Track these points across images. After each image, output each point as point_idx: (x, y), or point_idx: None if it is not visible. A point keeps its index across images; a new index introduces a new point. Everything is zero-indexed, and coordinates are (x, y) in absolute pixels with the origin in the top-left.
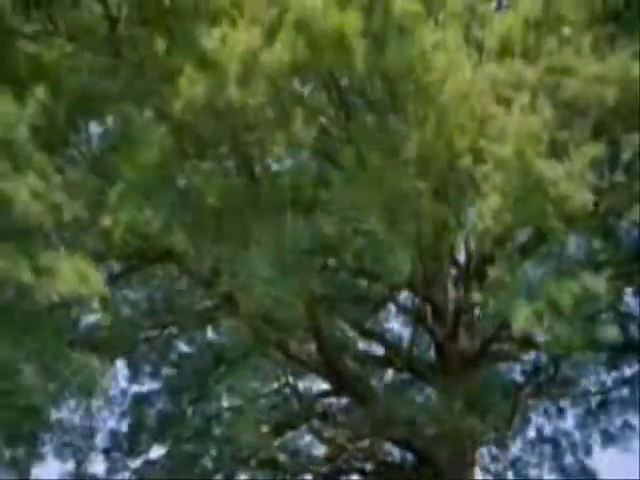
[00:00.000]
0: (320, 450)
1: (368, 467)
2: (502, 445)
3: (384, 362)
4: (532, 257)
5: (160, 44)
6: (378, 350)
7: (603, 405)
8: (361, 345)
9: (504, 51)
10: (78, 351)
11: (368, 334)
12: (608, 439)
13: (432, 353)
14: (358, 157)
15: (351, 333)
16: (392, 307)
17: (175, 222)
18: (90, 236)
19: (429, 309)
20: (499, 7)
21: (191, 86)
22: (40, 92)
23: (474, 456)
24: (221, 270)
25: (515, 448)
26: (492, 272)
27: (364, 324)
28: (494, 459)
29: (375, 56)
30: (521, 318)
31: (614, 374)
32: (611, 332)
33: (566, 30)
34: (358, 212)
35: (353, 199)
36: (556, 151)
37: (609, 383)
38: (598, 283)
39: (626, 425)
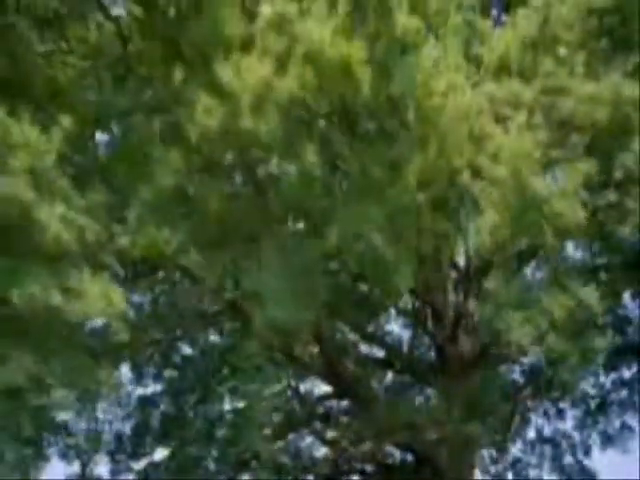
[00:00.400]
0: (321, 451)
1: (369, 468)
2: (502, 447)
3: (385, 364)
4: (527, 269)
5: (177, 73)
6: (378, 353)
7: (602, 407)
8: (362, 348)
9: (502, 70)
10: (83, 356)
11: (369, 337)
12: (607, 440)
13: (432, 355)
14: (362, 170)
15: (352, 336)
16: (392, 310)
17: (190, 240)
18: (109, 255)
19: (429, 312)
20: (497, 23)
21: (207, 114)
22: (65, 120)
23: (474, 458)
24: (229, 280)
25: (515, 449)
26: (489, 284)
27: (365, 327)
28: (494, 460)
29: (379, 82)
30: (518, 332)
31: (613, 376)
32: (602, 343)
33: (561, 50)
34: (362, 226)
35: (357, 213)
36: (551, 169)
37: (608, 385)
38: (590, 295)
39: (625, 426)
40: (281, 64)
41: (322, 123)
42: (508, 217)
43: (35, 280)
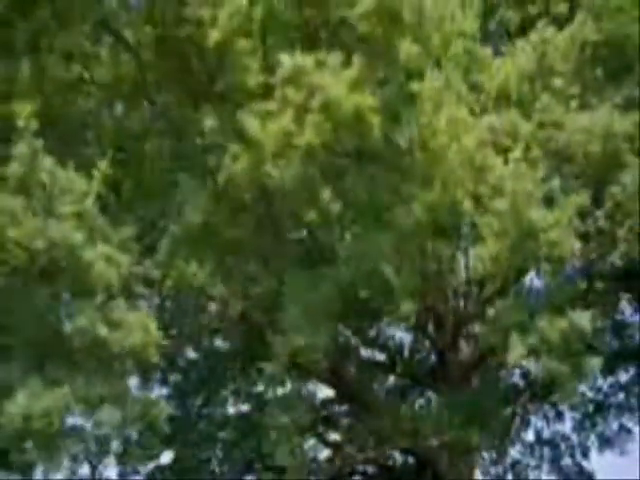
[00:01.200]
0: (324, 454)
1: (370, 470)
2: (501, 451)
3: (386, 368)
4: (524, 294)
5: (206, 121)
6: (380, 357)
7: (600, 409)
8: (363, 352)
9: (501, 100)
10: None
11: (370, 341)
12: (605, 442)
13: (433, 359)
14: (371, 202)
15: (353, 340)
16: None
17: (217, 272)
18: (142, 285)
19: (430, 319)
20: (496, 53)
21: (234, 161)
22: (103, 165)
23: (474, 461)
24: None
25: (515, 451)
26: (490, 311)
27: (366, 331)
28: (494, 462)
29: (389, 126)
30: (516, 353)
31: (610, 379)
32: (595, 364)
33: (557, 81)
34: (375, 262)
35: (369, 248)
36: (547, 199)
37: (606, 388)
38: (583, 319)
39: (622, 429)
40: (300, 114)
41: (337, 164)
42: (507, 246)
43: (83, 315)
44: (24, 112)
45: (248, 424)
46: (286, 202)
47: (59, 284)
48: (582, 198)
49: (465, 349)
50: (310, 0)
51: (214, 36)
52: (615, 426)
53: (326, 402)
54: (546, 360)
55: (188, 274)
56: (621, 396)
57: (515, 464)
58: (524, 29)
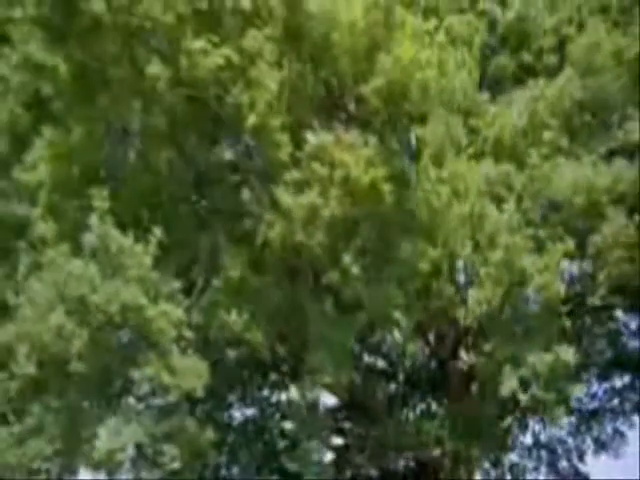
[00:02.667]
0: (327, 457)
1: (374, 474)
2: (499, 459)
3: (388, 376)
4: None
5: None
6: (381, 364)
7: (595, 414)
8: (366, 359)
9: (497, 149)
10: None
11: (372, 348)
12: (600, 446)
13: (434, 366)
14: (383, 255)
15: (357, 348)
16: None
17: (255, 322)
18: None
19: (432, 330)
20: (493, 97)
21: (269, 228)
22: (157, 231)
23: (474, 466)
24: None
25: (513, 454)
26: (487, 346)
27: (368, 338)
28: (493, 464)
29: (398, 192)
30: (508, 385)
31: (605, 385)
32: (579, 390)
33: (547, 134)
34: (385, 307)
35: (383, 297)
36: (537, 245)
37: (601, 394)
38: (568, 354)
39: (617, 433)
40: (325, 187)
41: (355, 228)
42: (501, 290)
43: (150, 364)
44: (100, 195)
45: (254, 428)
46: (313, 264)
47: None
48: (568, 245)
49: (465, 358)
50: (329, 80)
51: (252, 118)
52: (610, 430)
53: (331, 409)
54: (534, 389)
55: (228, 322)
56: (615, 402)
57: (514, 466)
58: (519, 78)
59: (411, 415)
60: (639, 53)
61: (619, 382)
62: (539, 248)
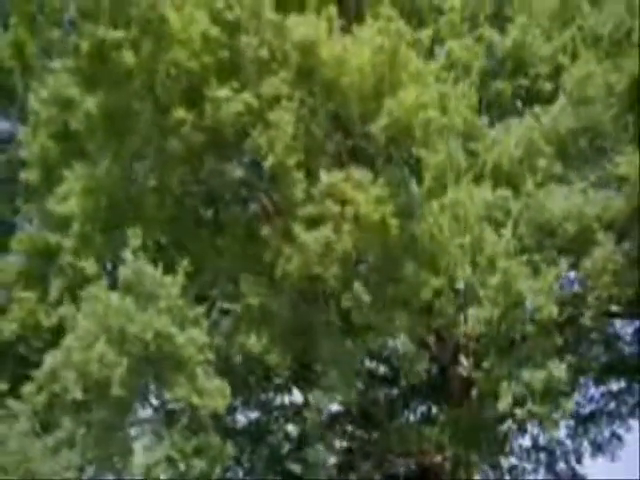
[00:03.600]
0: (331, 460)
1: (377, 478)
2: (497, 463)
3: (389, 381)
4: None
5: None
6: (383, 369)
7: (593, 417)
8: (367, 364)
9: (495, 178)
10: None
11: (374, 354)
12: (597, 448)
13: (434, 372)
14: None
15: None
16: None
17: (271, 344)
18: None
19: (433, 337)
20: (492, 122)
21: (287, 262)
22: (185, 264)
23: (474, 468)
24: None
25: (512, 456)
26: (485, 364)
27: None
28: (493, 467)
29: (404, 224)
30: (505, 400)
31: (602, 389)
32: (570, 406)
33: (542, 161)
34: (392, 332)
35: (387, 322)
36: (532, 269)
37: (598, 397)
38: (560, 370)
39: (613, 435)
40: (338, 223)
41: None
42: (499, 312)
43: (180, 387)
44: (135, 233)
45: (258, 431)
46: (326, 292)
47: (160, 364)
48: (561, 269)
49: (465, 364)
50: (339, 120)
51: (271, 159)
52: (607, 433)
53: (334, 413)
54: (529, 404)
55: (248, 345)
56: (612, 405)
57: (513, 468)
58: (516, 103)
59: (412, 417)
60: (628, 86)
61: (616, 386)
62: (534, 271)
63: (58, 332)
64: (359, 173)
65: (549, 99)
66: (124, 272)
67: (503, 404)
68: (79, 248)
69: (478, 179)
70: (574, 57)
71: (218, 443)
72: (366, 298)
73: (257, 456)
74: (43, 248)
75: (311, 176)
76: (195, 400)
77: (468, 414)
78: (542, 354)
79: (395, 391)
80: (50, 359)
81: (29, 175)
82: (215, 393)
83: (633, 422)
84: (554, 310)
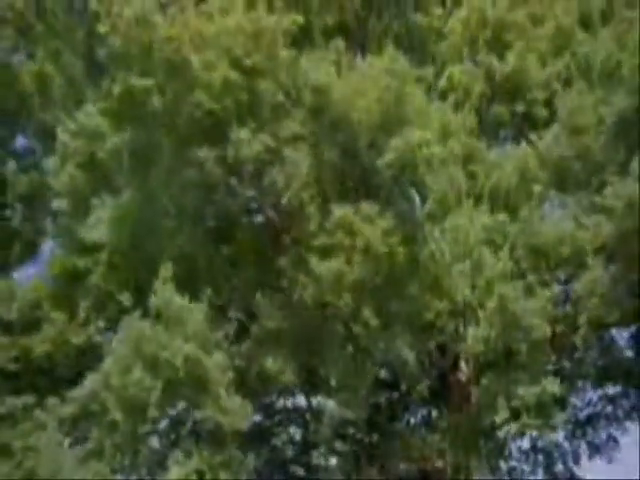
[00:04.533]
0: (333, 462)
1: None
2: (496, 467)
3: (391, 386)
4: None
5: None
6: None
7: (590, 420)
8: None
9: (493, 202)
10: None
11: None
12: (594, 450)
13: (434, 376)
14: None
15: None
16: None
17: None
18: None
19: (433, 344)
20: (490, 145)
21: (303, 289)
22: (209, 291)
23: (474, 471)
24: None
25: (511, 458)
26: (484, 381)
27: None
28: (492, 470)
29: (408, 251)
30: (502, 414)
31: (600, 392)
32: (560, 418)
33: (536, 187)
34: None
35: (393, 341)
36: (527, 290)
37: (595, 401)
38: (553, 386)
39: (610, 438)
40: (349, 255)
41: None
42: (495, 331)
43: (207, 406)
44: (166, 267)
45: (261, 434)
46: (339, 317)
47: (189, 386)
48: (553, 290)
49: (465, 369)
50: (349, 155)
51: (287, 195)
52: (604, 435)
53: (335, 415)
54: (525, 418)
55: (266, 367)
56: (609, 408)
57: (512, 470)
58: (513, 127)
59: (412, 420)
60: (617, 118)
61: (612, 389)
62: (529, 293)
63: (84, 350)
64: (368, 206)
65: (545, 124)
66: (155, 301)
67: (500, 417)
68: (107, 274)
69: (477, 201)
70: (568, 84)
71: (240, 457)
72: (374, 323)
73: (261, 459)
74: (72, 271)
75: (324, 209)
76: (220, 418)
77: (468, 420)
78: (536, 370)
79: (396, 395)
80: (89, 382)
81: (59, 203)
82: (237, 412)
83: (629, 425)
84: (547, 330)
